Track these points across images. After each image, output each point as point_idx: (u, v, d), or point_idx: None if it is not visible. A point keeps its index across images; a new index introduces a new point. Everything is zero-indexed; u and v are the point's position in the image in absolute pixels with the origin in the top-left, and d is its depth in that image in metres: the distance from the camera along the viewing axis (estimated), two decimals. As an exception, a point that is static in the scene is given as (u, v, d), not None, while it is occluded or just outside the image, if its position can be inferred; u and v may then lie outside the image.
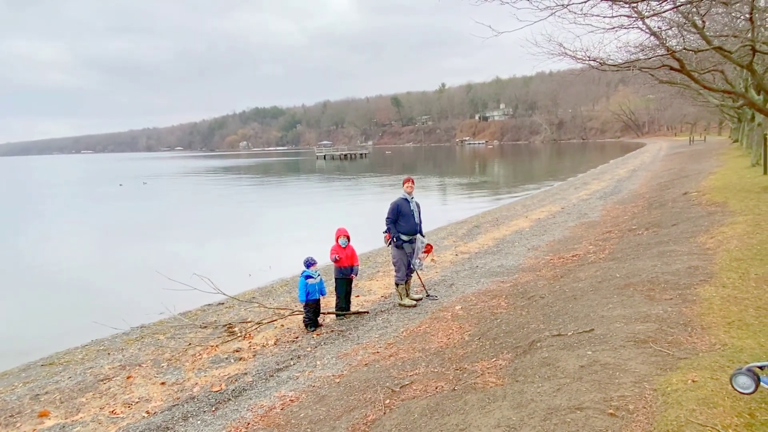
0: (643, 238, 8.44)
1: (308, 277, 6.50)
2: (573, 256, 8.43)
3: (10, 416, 4.97)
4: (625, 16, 9.66)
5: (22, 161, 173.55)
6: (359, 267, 7.31)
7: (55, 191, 40.63)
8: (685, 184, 15.31)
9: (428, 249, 7.29)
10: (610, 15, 9.58)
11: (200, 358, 6.06)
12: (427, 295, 7.30)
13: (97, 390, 5.43)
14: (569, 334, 4.16)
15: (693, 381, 2.86)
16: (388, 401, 3.99)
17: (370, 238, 10.62)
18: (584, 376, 3.22)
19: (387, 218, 6.92)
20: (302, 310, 6.65)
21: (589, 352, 3.64)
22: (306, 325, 6.60)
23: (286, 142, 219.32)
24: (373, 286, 8.44)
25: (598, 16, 9.68)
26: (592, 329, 4.12)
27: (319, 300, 6.67)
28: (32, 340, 7.84)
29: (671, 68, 11.01)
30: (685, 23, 9.70)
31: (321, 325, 6.67)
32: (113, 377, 5.75)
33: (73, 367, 6.26)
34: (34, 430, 4.63)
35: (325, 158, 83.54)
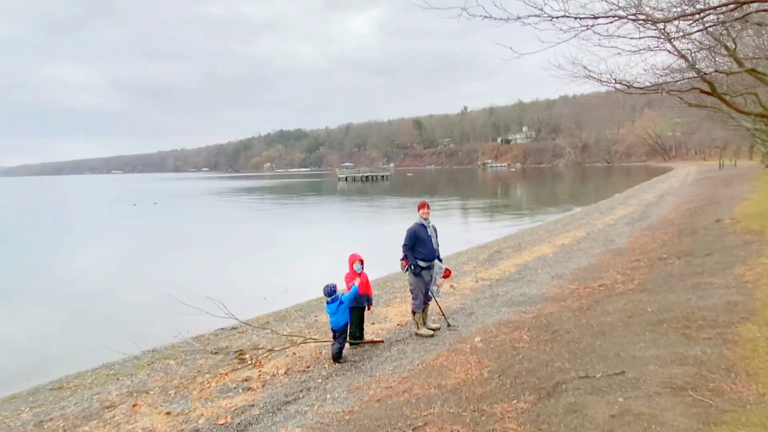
0: (674, 268, 8.00)
1: (341, 302, 6.23)
2: (600, 285, 8.03)
3: (11, 445, 4.83)
4: (652, 37, 9.40)
5: (53, 180, 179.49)
6: (373, 295, 7.05)
7: (77, 210, 41.64)
8: (717, 211, 14.71)
9: (447, 274, 7.01)
10: (637, 37, 9.31)
11: (208, 387, 5.85)
12: (448, 325, 6.98)
13: (102, 418, 5.27)
14: (598, 376, 3.83)
15: (743, 441, 2.53)
16: (399, 445, 3.71)
17: (387, 262, 10.38)
18: (615, 429, 2.91)
19: (404, 245, 6.68)
20: (316, 338, 6.41)
21: (621, 399, 3.31)
22: (338, 356, 6.22)
23: (309, 164, 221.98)
24: (390, 313, 8.16)
25: (623, 37, 9.41)
26: (623, 371, 3.78)
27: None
28: (45, 361, 7.78)
29: (701, 91, 10.64)
30: (715, 45, 9.38)
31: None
32: (119, 404, 5.58)
33: (81, 392, 6.13)
34: (33, 461, 4.47)
35: (346, 180, 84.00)
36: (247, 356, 6.65)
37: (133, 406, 5.48)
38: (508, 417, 3.64)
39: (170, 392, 5.79)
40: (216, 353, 6.95)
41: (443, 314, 7.17)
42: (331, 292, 6.24)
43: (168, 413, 5.22)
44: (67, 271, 15.83)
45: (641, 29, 8.34)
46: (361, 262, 6.58)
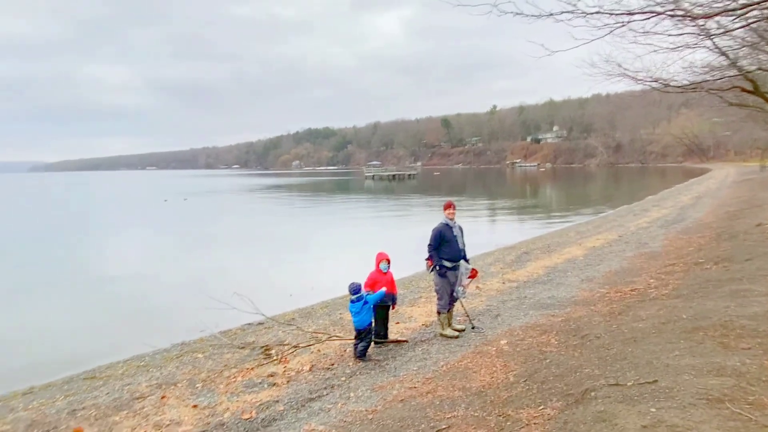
0: (712, 274, 7.71)
1: (366, 302, 6.18)
2: (632, 290, 7.80)
3: (46, 431, 4.99)
4: (691, 34, 9.06)
5: (90, 176, 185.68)
6: (398, 294, 7.00)
7: (112, 205, 42.93)
8: (758, 215, 14.12)
9: (473, 275, 6.91)
10: (675, 34, 9.00)
11: (234, 381, 5.93)
12: (473, 327, 6.90)
13: (132, 409, 5.40)
14: (629, 384, 3.71)
15: (785, 459, 2.40)
16: (422, 447, 3.67)
17: (414, 261, 10.34)
18: (647, 440, 2.80)
19: (429, 245, 6.62)
20: (341, 336, 6.41)
21: (653, 409, 3.19)
22: (363, 355, 6.23)
23: (337, 162, 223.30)
24: (414, 313, 8.12)
25: (660, 34, 9.09)
26: (656, 380, 3.65)
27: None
28: (79, 352, 8.03)
29: (742, 90, 10.22)
30: (759, 42, 8.99)
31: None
32: (148, 396, 5.71)
33: (113, 383, 6.30)
34: (66, 448, 4.61)
35: (373, 178, 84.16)
36: (272, 352, 6.72)
37: (162, 398, 5.60)
38: (534, 423, 3.55)
39: (197, 385, 5.89)
40: (242, 348, 7.04)
41: (468, 316, 7.09)
42: (356, 290, 6.21)
43: (195, 406, 5.31)
44: (102, 264, 16.34)
45: (679, 26, 8.04)
46: (388, 261, 6.55)
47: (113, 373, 6.71)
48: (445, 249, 6.56)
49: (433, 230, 6.64)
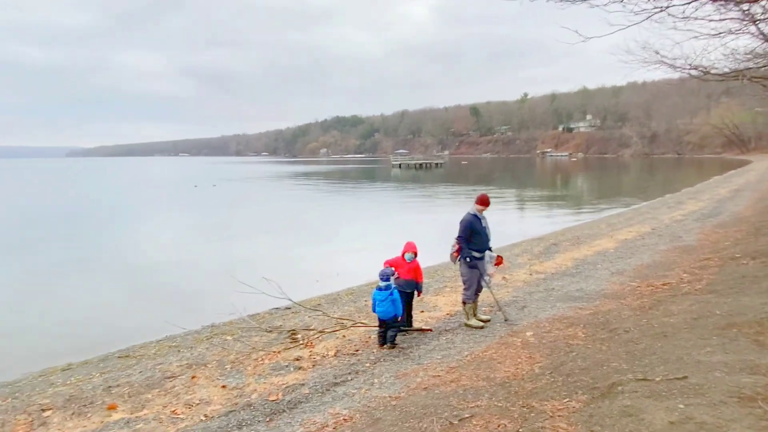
0: (748, 269, 7.45)
1: (391, 293, 6.10)
2: (664, 284, 7.61)
3: (83, 405, 5.22)
4: (734, 19, 8.68)
5: (125, 161, 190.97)
6: (423, 282, 6.99)
7: (144, 190, 44.10)
8: (801, 209, 13.54)
9: (499, 261, 6.78)
10: (717, 19, 8.64)
11: (262, 363, 6.07)
12: (505, 320, 6.79)
13: (163, 387, 5.59)
14: (657, 379, 3.64)
15: (820, 461, 2.33)
16: (444, 434, 3.69)
17: (440, 250, 10.32)
18: (675, 436, 2.75)
19: (459, 236, 6.55)
20: (365, 323, 6.47)
21: (681, 406, 3.13)
22: (391, 341, 6.19)
23: (364, 150, 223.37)
24: (439, 302, 8.13)
25: (702, 19, 8.75)
26: (686, 376, 3.57)
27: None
28: (114, 331, 8.36)
29: (789, 78, 9.77)
30: (808, 27, 8.54)
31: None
32: (179, 375, 5.90)
33: (145, 362, 6.53)
34: (102, 422, 4.82)
35: (400, 167, 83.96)
36: (299, 336, 6.84)
37: (192, 377, 5.78)
38: (559, 415, 3.53)
39: (226, 366, 6.06)
40: (270, 331, 7.19)
41: (500, 307, 6.96)
42: (386, 278, 6.12)
43: (224, 386, 5.47)
44: (134, 248, 16.87)
45: (722, 10, 7.74)
46: (415, 253, 6.53)
47: (146, 353, 6.96)
48: (474, 240, 6.50)
49: (463, 221, 6.56)
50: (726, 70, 9.75)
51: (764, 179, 30.14)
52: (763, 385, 3.28)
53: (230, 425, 4.59)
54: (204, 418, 4.78)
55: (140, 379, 5.85)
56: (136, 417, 4.88)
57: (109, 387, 5.67)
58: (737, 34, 8.88)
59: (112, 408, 5.09)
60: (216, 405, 5.06)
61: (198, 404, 5.10)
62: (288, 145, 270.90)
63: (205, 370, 5.98)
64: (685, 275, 7.98)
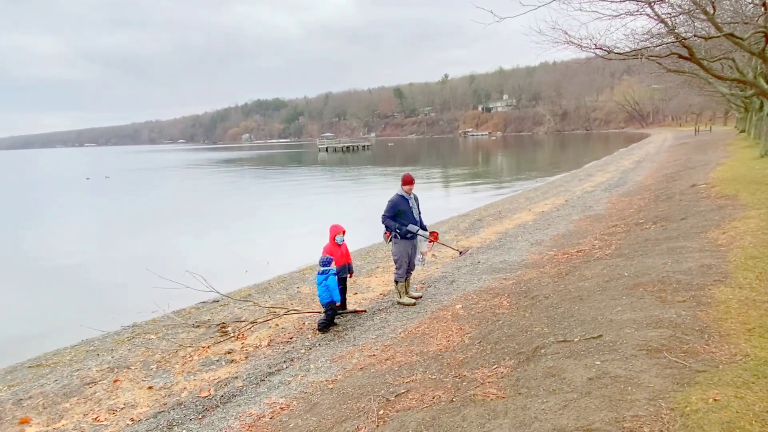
0: (650, 233, 8.15)
1: (334, 274, 6.19)
2: (578, 251, 8.15)
3: (-11, 424, 4.76)
4: (632, 1, 9.32)
5: (20, 155, 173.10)
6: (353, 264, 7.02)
7: (24, 186, 40.44)
8: (692, 176, 14.97)
9: (434, 238, 6.92)
10: (618, 0, 9.24)
11: (191, 360, 5.83)
12: (460, 253, 7.47)
13: (83, 395, 5.22)
14: (576, 340, 3.91)
15: (714, 400, 2.60)
16: (382, 412, 3.75)
17: (370, 232, 10.37)
18: (593, 391, 2.97)
19: (383, 216, 6.61)
20: (299, 309, 6.40)
21: (598, 362, 3.38)
22: (325, 327, 6.23)
23: (289, 135, 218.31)
24: (372, 283, 8.19)
25: (604, 1, 9.34)
26: (601, 335, 3.86)
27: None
28: (22, 339, 7.64)
29: (680, 56, 10.66)
30: (694, 9, 9.35)
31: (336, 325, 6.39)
32: (100, 380, 5.53)
33: (60, 369, 6.05)
34: (13, 439, 4.42)
35: (327, 150, 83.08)
36: (229, 329, 6.63)
37: (114, 381, 5.44)
38: (489, 382, 3.70)
39: (152, 367, 5.75)
40: (198, 327, 6.91)
41: (456, 249, 7.13)
42: (326, 263, 6.18)
43: (150, 387, 5.20)
44: (31, 247, 15.39)
45: (622, -8, 8.25)
46: (343, 233, 6.53)
47: (60, 360, 6.44)
48: (401, 220, 6.57)
49: (389, 201, 6.62)
50: (627, 49, 10.47)
51: (661, 151, 33.00)
52: (667, 338, 3.61)
53: (160, 426, 4.39)
54: (130, 422, 4.53)
55: (56, 388, 5.41)
56: (54, 429, 4.53)
57: (20, 400, 5.20)
58: (635, 15, 9.55)
59: (24, 422, 4.68)
60: (143, 407, 4.81)
61: (123, 408, 4.81)
62: (207, 131, 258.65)
63: (128, 373, 5.65)
64: (596, 242, 8.59)
